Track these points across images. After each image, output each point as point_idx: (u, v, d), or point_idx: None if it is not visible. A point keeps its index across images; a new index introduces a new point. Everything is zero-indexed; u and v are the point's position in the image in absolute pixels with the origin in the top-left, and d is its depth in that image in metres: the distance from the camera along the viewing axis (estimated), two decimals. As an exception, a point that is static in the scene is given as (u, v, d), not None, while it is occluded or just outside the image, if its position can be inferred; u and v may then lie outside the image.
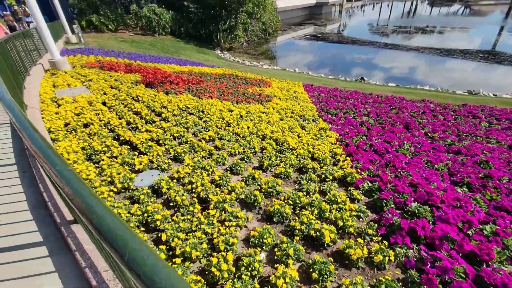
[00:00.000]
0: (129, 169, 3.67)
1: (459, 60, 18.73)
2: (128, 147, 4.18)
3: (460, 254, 2.17)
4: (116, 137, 4.45)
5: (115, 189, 3.24)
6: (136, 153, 3.99)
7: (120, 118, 5.04)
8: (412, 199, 2.85)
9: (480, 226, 2.46)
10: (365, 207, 2.87)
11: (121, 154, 3.96)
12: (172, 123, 5.02)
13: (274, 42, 29.65)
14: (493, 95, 12.31)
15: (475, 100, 10.81)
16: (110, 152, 3.99)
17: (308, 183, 3.21)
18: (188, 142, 4.33)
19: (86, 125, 4.81)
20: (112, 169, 3.52)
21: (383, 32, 31.16)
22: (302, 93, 9.51)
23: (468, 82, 14.46)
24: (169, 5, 24.31)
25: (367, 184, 3.22)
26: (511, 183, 3.43)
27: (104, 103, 5.74)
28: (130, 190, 3.31)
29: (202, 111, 5.77)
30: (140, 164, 3.72)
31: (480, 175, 3.57)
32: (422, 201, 2.80)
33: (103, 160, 3.82)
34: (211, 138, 4.55)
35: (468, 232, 2.42)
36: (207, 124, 5.02)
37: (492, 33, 27.26)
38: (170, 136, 4.46)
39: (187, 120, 5.12)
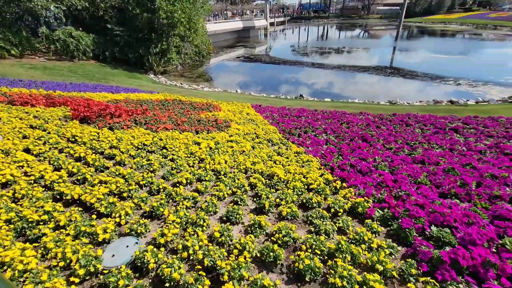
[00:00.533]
0: (89, 242, 2.72)
1: (373, 75, 21.82)
2: (80, 209, 3.16)
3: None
4: (58, 196, 3.35)
5: (76, 279, 2.29)
6: (94, 216, 3.02)
7: (58, 170, 3.87)
8: (428, 222, 2.82)
9: (500, 241, 2.53)
10: (390, 240, 2.69)
11: (71, 221, 2.94)
12: (131, 167, 4.10)
13: (208, 64, 29.65)
14: (407, 103, 14.52)
15: (397, 109, 12.51)
16: (53, 220, 2.92)
17: (324, 223, 2.88)
18: (162, 190, 3.53)
19: (5, 185, 3.52)
20: (63, 247, 2.53)
21: (306, 52, 34.43)
22: (255, 114, 9.40)
23: (385, 93, 16.83)
24: (88, 27, 21.94)
25: (378, 212, 3.09)
26: (484, 188, 3.80)
27: (27, 151, 4.39)
28: (100, 275, 2.40)
29: (164, 147, 4.95)
30: (105, 232, 2.80)
31: (457, 183, 3.87)
32: (438, 223, 2.79)
33: (45, 234, 2.75)
34: (188, 181, 3.82)
35: (493, 250, 2.45)
36: (176, 164, 4.26)
37: (387, 52, 32.93)
38: (135, 186, 3.57)
39: (151, 161, 4.26)
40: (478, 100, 14.42)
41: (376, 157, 5.20)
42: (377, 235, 2.85)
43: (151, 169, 4.07)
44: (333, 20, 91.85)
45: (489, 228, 2.69)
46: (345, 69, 24.19)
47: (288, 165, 4.48)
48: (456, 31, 51.42)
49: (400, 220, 2.86)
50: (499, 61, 24.96)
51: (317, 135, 7.08)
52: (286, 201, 3.33)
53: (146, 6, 21.76)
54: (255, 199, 3.54)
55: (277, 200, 3.37)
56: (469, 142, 6.55)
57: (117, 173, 3.88)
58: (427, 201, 3.18)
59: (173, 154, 4.66)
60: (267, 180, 3.96)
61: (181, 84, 19.88)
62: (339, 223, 2.94)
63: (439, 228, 2.72)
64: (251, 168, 4.33)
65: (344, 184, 3.77)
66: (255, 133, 6.70)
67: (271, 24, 68.13)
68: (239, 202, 3.37)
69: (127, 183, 3.63)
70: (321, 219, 2.98)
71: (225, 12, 79.79)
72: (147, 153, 4.67)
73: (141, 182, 3.66)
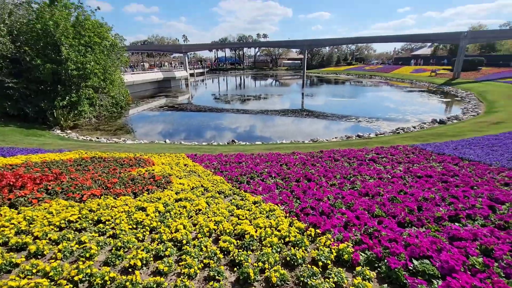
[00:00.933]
0: None
1: (292, 117, 24.34)
2: None
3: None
4: None
5: None
6: None
7: None
8: (407, 256, 2.92)
9: (469, 263, 2.79)
10: (385, 284, 2.61)
11: None
12: (56, 258, 3.03)
13: (128, 115, 27.74)
14: (326, 140, 16.46)
15: (320, 146, 13.96)
16: None
17: (317, 281, 2.60)
18: (110, 283, 2.66)
19: None
20: None
21: (228, 100, 36.31)
22: (194, 165, 8.87)
23: (305, 132, 18.82)
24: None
25: (362, 255, 3.04)
26: (425, 211, 4.32)
27: None
28: None
29: (99, 221, 3.94)
30: None
31: (406, 211, 4.31)
32: (416, 255, 2.91)
33: None
34: (143, 262, 3.02)
35: (470, 273, 2.66)
36: (121, 241, 3.37)
37: (299, 97, 37.84)
38: (68, 285, 2.59)
39: (84, 244, 3.26)
40: (377, 133, 17.52)
41: (329, 196, 5.42)
42: (370, 281, 2.76)
43: (87, 254, 3.09)
44: (247, 71, 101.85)
45: (454, 251, 2.97)
46: (267, 113, 26.30)
47: (254, 218, 4.16)
48: (345, 79, 64.10)
49: (385, 260, 2.88)
50: (380, 101, 31.79)
51: (264, 179, 7.04)
52: (269, 263, 2.95)
53: (49, 56, 19.48)
54: (233, 267, 3.03)
55: (259, 264, 2.96)
56: (389, 170, 7.61)
57: (34, 270, 2.77)
58: (396, 235, 3.37)
59: (113, 229, 3.73)
60: (238, 241, 3.51)
61: (98, 138, 17.63)
62: (332, 277, 2.74)
63: (420, 260, 2.85)
64: (215, 230, 3.80)
65: (318, 231, 3.67)
66: (202, 185, 6.18)
67: (191, 75, 70.48)
68: (216, 277, 2.80)
69: (53, 283, 2.61)
70: (313, 277, 2.72)
71: (141, 64, 78.93)
72: (76, 233, 3.60)
73: (75, 278, 2.69)
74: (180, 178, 6.79)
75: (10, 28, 19.98)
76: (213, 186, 6.14)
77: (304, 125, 21.54)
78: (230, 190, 5.94)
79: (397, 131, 17.72)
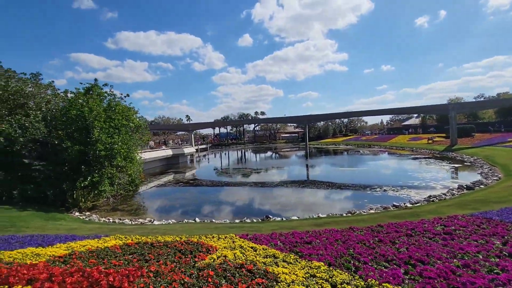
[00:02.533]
0: None
1: (315, 189, 23.98)
2: None
3: None
4: None
5: None
6: None
7: None
8: None
9: None
10: None
11: None
12: None
13: (141, 193, 27.13)
14: (363, 211, 15.79)
15: (364, 219, 13.24)
16: None
17: None
18: None
19: None
20: None
21: (238, 174, 36.38)
22: (264, 248, 7.85)
23: (337, 204, 18.22)
24: (-6, 163, 17.93)
25: None
26: None
27: None
28: None
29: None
30: None
31: None
32: None
33: None
34: None
35: None
36: None
37: (309, 169, 38.23)
38: None
39: None
40: (411, 202, 17.05)
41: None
42: None
43: None
44: (248, 145, 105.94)
45: None
46: (286, 185, 26.00)
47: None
48: (345, 149, 66.51)
49: None
50: (393, 169, 32.19)
51: (377, 265, 6.10)
52: None
53: (78, 139, 20.20)
54: None
55: None
56: (490, 246, 6.94)
57: None
58: None
59: None
60: None
61: (120, 220, 16.68)
62: None
63: None
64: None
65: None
66: (313, 275, 5.25)
67: (196, 150, 72.66)
68: None
69: None
70: None
71: (147, 142, 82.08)
72: None
73: None
74: (284, 268, 5.81)
75: (44, 114, 21.28)
76: (324, 273, 5.27)
77: (329, 197, 21.06)
78: (326, 272, 5.17)
79: (431, 199, 17.32)
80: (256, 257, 6.73)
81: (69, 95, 23.52)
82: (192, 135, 70.95)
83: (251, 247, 8.00)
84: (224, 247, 8.07)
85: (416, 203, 16.60)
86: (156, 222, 15.70)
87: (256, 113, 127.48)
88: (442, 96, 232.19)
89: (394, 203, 16.57)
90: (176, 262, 6.49)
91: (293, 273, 5.22)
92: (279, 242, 8.68)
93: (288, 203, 19.94)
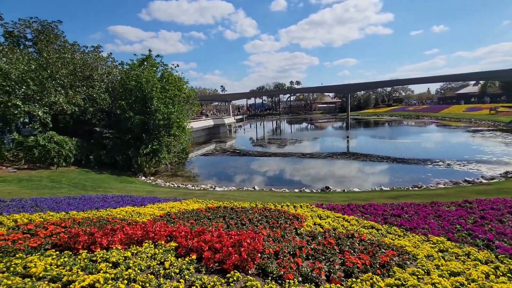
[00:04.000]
0: None
1: (376, 162, 23.10)
2: None
3: None
4: None
5: None
6: None
7: None
8: None
9: None
10: None
11: None
12: None
13: (191, 160, 28.51)
14: (431, 186, 14.89)
15: (431, 194, 12.44)
16: None
17: None
18: None
19: None
20: None
21: (283, 144, 36.24)
22: (356, 219, 7.65)
23: (395, 177, 17.39)
24: (69, 131, 19.76)
25: None
26: None
27: None
28: None
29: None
30: None
31: None
32: None
33: None
34: None
35: None
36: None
37: (344, 140, 36.47)
38: None
39: None
40: (486, 177, 15.62)
41: None
42: None
43: None
44: (283, 116, 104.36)
45: None
46: (337, 157, 25.41)
47: None
48: (389, 120, 62.40)
49: None
50: (452, 142, 29.61)
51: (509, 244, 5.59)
52: None
53: (139, 109, 21.28)
54: None
55: None
56: None
57: None
58: None
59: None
60: None
61: (183, 185, 17.78)
62: None
63: None
64: None
65: None
66: (442, 250, 4.81)
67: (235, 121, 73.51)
68: None
69: None
70: None
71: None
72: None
73: None
74: (385, 238, 5.57)
75: (106, 86, 22.54)
76: (456, 249, 4.85)
77: (384, 170, 20.16)
78: (488, 257, 4.62)
79: (509, 176, 15.69)
80: (354, 227, 6.67)
81: (125, 66, 24.50)
82: (230, 106, 71.47)
83: (340, 217, 7.96)
84: (311, 216, 8.13)
85: (492, 179, 15.17)
86: (218, 188, 16.47)
87: (291, 82, 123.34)
88: (504, 59, 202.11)
89: (466, 178, 15.33)
90: (276, 228, 6.68)
91: (415, 246, 5.04)
92: (369, 214, 8.52)
93: (341, 174, 19.54)
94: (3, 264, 3.94)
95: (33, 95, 15.94)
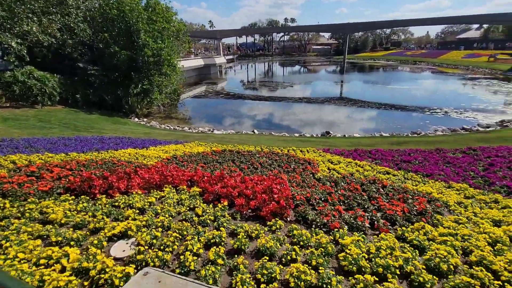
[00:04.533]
0: None
1: (374, 109, 22.86)
2: None
3: None
4: None
5: None
6: None
7: None
8: None
9: None
10: None
11: None
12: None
13: (183, 103, 27.40)
14: (429, 133, 15.08)
15: (431, 141, 12.64)
16: None
17: None
18: None
19: None
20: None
21: (276, 88, 34.97)
22: (369, 165, 7.61)
23: (394, 124, 17.47)
24: (49, 66, 17.83)
25: None
26: None
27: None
28: None
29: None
30: None
31: None
32: None
33: None
34: None
35: None
36: None
37: (339, 86, 35.55)
38: None
39: None
40: (482, 125, 15.88)
41: None
42: None
43: None
44: (276, 57, 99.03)
45: None
46: (334, 103, 24.97)
47: None
48: (385, 65, 60.61)
49: None
50: (448, 90, 29.44)
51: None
52: None
53: (124, 43, 19.13)
54: None
55: None
56: None
57: None
58: None
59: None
60: None
61: (180, 127, 17.25)
62: None
63: None
64: None
65: None
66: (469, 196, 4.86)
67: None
68: None
69: None
70: None
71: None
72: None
73: None
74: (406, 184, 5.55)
75: (84, 14, 19.69)
76: (482, 196, 4.89)
77: (382, 116, 20.12)
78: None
79: (504, 124, 16.00)
80: (370, 172, 6.63)
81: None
82: (220, 44, 66.30)
83: (351, 162, 7.91)
84: (322, 161, 8.04)
85: (488, 127, 15.45)
86: (216, 132, 16.11)
87: (285, 20, 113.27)
88: (509, 2, 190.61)
89: (464, 126, 15.54)
90: (291, 172, 6.55)
91: (439, 193, 5.04)
92: (379, 160, 8.52)
93: (340, 120, 19.42)
94: (15, 209, 3.60)
95: (3, 23, 13.70)
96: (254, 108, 24.32)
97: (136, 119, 18.98)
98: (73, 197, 4.01)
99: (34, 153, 7.26)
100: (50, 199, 3.96)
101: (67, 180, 4.66)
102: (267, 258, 2.54)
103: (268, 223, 3.22)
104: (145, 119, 19.28)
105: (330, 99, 26.10)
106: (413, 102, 23.47)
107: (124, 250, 2.82)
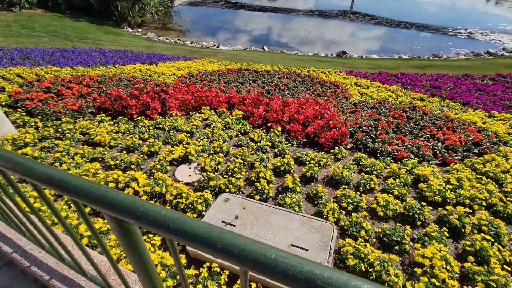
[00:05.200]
0: None
1: (393, 27, 20.71)
2: None
3: None
4: None
5: None
6: None
7: None
8: None
9: None
10: None
11: None
12: None
13: (177, 11, 24.05)
14: (451, 57, 14.17)
15: (455, 65, 11.91)
16: None
17: None
18: None
19: None
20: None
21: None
22: (401, 90, 7.13)
23: (416, 47, 16.18)
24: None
25: None
26: None
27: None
28: None
29: None
30: None
31: None
32: None
33: None
34: None
35: None
36: None
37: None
38: None
39: None
40: (508, 50, 14.85)
41: None
42: None
43: None
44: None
45: None
46: (349, 18, 22.42)
47: None
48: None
49: None
50: (475, 6, 26.37)
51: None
52: None
53: None
54: None
55: None
56: None
57: None
58: None
59: None
60: None
61: (181, 41, 15.61)
62: None
63: None
64: None
65: None
66: None
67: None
68: None
69: None
70: None
71: None
72: None
73: None
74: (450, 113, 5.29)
75: None
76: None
77: (404, 36, 18.43)
78: None
79: (531, 49, 14.95)
80: (404, 98, 6.32)
81: None
82: None
83: (380, 87, 7.48)
84: (349, 84, 7.57)
85: (513, 52, 14.48)
86: (222, 47, 14.70)
87: None
88: None
89: (489, 50, 14.49)
90: (322, 96, 6.18)
91: (483, 122, 4.89)
92: (401, 82, 8.07)
93: (354, 37, 17.78)
94: (53, 129, 3.32)
95: None
96: (261, 21, 21.75)
97: (130, 30, 16.93)
98: (109, 117, 3.68)
99: (35, 66, 6.50)
100: (85, 119, 3.63)
101: (94, 98, 4.23)
102: (345, 186, 2.47)
103: (332, 151, 3.07)
104: (139, 30, 17.21)
105: (344, 12, 23.31)
106: (435, 20, 21.23)
107: (190, 175, 2.70)
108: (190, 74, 7.56)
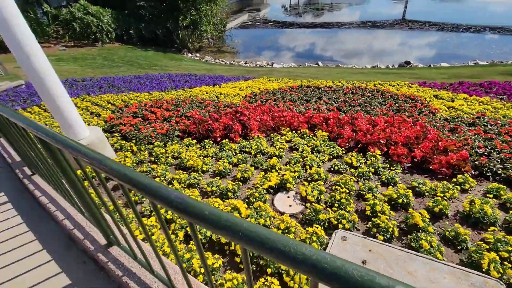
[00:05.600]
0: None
1: (456, 32, 18.90)
2: None
3: None
4: None
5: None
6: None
7: None
8: None
9: None
10: None
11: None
12: None
13: (230, 34, 25.28)
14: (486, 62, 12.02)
15: None
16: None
17: None
18: None
19: None
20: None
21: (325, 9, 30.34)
22: (493, 101, 6.17)
23: (480, 50, 14.24)
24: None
25: None
26: None
27: None
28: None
29: None
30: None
31: None
32: None
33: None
34: None
35: None
36: None
37: (378, 6, 29.02)
38: None
39: None
40: None
41: None
42: None
43: None
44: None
45: None
46: (408, 26, 21.01)
47: None
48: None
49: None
50: None
51: None
52: None
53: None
54: None
55: None
56: None
57: None
58: None
59: None
60: None
61: (236, 62, 16.25)
62: None
63: None
64: None
65: None
66: None
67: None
68: None
69: None
70: None
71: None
72: None
73: None
74: None
75: None
76: None
77: (474, 39, 16.46)
78: None
79: None
80: (507, 111, 5.36)
81: None
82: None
83: (467, 99, 6.54)
84: (429, 97, 6.78)
85: None
86: (275, 65, 14.87)
87: None
88: None
89: None
90: (402, 111, 5.57)
91: None
92: (494, 93, 6.97)
93: (412, 46, 16.40)
94: (147, 152, 3.47)
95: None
96: (310, 37, 21.69)
97: (189, 55, 18.32)
98: (195, 141, 3.74)
99: (119, 93, 7.23)
100: (174, 142, 3.74)
101: (176, 122, 4.40)
102: (494, 227, 1.97)
103: (454, 179, 2.57)
104: (197, 54, 18.52)
105: (400, 21, 21.96)
106: (509, 20, 18.61)
107: (290, 205, 2.47)
108: (254, 94, 7.63)
